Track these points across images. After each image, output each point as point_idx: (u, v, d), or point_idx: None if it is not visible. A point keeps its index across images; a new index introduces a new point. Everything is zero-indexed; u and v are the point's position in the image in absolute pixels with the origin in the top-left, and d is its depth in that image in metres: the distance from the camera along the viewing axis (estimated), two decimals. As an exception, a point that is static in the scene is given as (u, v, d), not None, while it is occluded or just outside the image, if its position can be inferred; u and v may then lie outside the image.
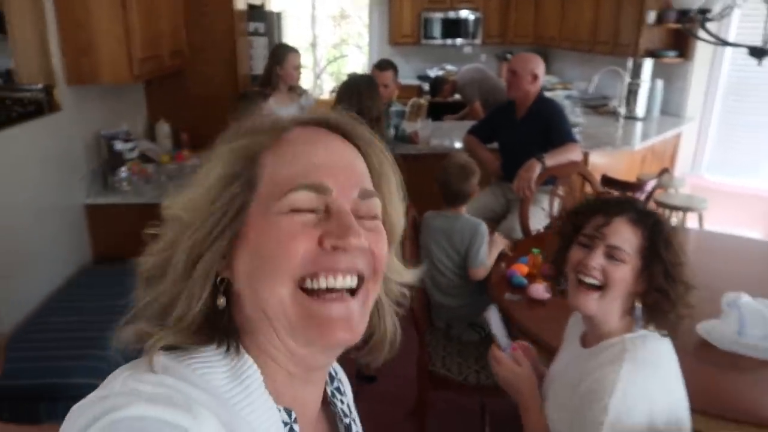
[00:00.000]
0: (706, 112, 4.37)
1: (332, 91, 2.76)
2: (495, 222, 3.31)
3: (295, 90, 3.41)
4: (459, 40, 6.61)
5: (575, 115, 3.91)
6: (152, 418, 0.48)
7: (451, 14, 6.40)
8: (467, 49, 6.92)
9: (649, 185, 2.98)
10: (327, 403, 0.71)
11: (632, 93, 4.33)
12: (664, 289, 1.14)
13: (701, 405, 1.43)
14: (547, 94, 4.52)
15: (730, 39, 1.78)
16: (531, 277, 2.07)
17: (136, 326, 0.58)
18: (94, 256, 2.93)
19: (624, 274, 1.15)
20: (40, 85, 2.49)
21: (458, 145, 3.59)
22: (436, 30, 6.50)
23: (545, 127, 2.99)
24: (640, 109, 4.35)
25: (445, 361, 2.10)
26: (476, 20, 6.43)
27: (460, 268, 2.33)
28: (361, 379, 2.69)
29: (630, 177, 3.88)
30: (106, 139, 2.94)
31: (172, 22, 3.30)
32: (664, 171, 3.14)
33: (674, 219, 3.75)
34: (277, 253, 0.56)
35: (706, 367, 1.60)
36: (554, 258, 1.32)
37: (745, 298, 1.69)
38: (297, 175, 0.58)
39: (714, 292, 1.82)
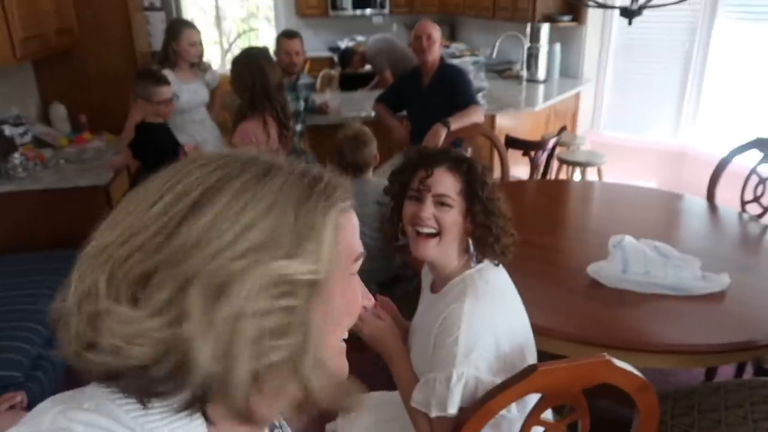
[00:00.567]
0: (600, 72, 4.63)
1: (231, 68, 2.67)
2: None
3: (198, 66, 3.30)
4: (368, 11, 6.60)
5: (480, 80, 4.03)
6: None
7: (358, -16, 6.37)
8: (377, 19, 6.92)
9: (550, 143, 3.14)
10: None
11: (533, 57, 4.51)
12: (485, 224, 1.25)
13: (591, 337, 1.58)
14: (455, 60, 4.65)
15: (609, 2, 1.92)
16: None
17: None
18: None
19: (454, 218, 1.26)
20: None
21: (364, 114, 3.63)
22: (345, 1, 6.45)
23: (451, 91, 3.08)
24: (540, 72, 4.55)
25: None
26: (383, -11, 6.43)
27: (377, 231, 2.37)
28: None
29: (535, 137, 4.07)
30: (-6, 124, 2.77)
31: (56, -2, 3.11)
32: (563, 129, 3.31)
33: (577, 174, 3.99)
34: (352, 309, 0.65)
35: (596, 304, 1.74)
36: (390, 217, 1.40)
37: (628, 239, 1.85)
38: (355, 246, 0.65)
39: (605, 237, 1.98)
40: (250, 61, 2.65)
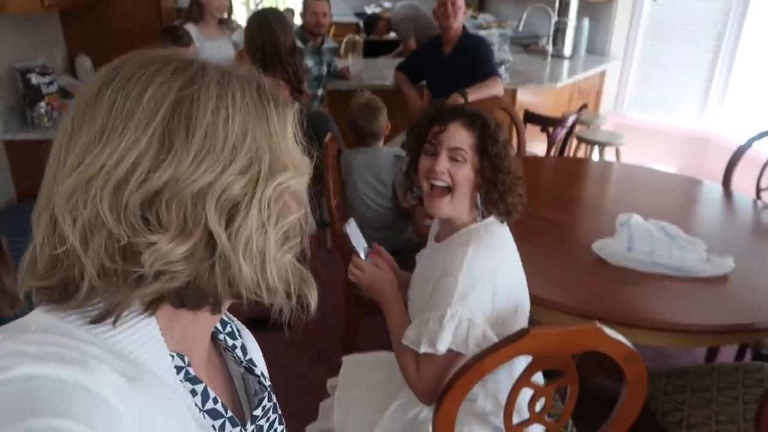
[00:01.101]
0: (628, 51, 4.54)
1: (244, 29, 2.68)
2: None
3: (226, 23, 3.31)
4: (396, -24, 6.50)
5: (504, 52, 3.97)
6: (45, 376, 0.44)
7: (388, -52, 6.26)
8: (405, -15, 6.82)
9: (569, 121, 3.12)
10: (221, 351, 0.73)
11: (560, 31, 4.43)
12: (491, 179, 1.29)
13: (594, 312, 1.61)
14: (482, 32, 4.59)
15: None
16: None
17: None
18: (18, 193, 2.86)
19: (467, 173, 1.29)
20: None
21: (387, 82, 3.62)
22: (373, -35, 6.36)
23: (472, 62, 3.06)
24: (567, 48, 4.47)
25: (370, 286, 2.21)
26: (413, -45, 6.31)
27: (390, 200, 2.41)
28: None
29: (556, 114, 4.03)
30: (21, 72, 2.82)
31: (87, -53, 3.13)
32: (583, 107, 3.28)
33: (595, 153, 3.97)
34: None
35: (598, 280, 1.76)
36: (406, 171, 1.44)
37: (636, 218, 1.86)
38: None
39: (613, 215, 1.99)
40: (261, 22, 2.64)
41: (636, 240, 1.81)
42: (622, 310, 1.63)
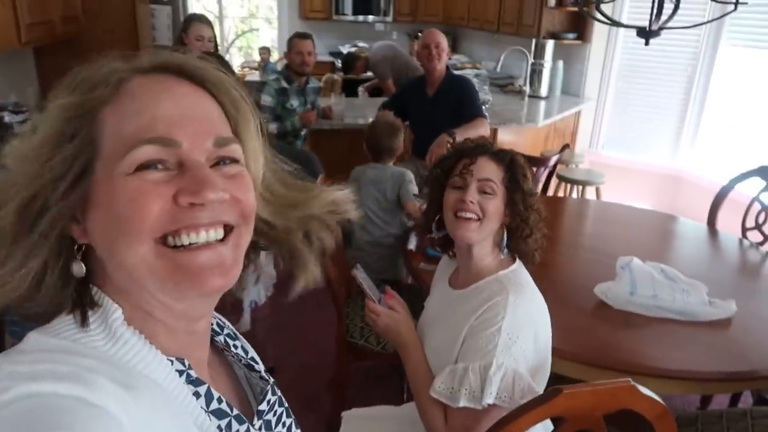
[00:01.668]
0: (602, 92, 4.66)
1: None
2: (410, 196, 3.38)
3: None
4: (371, 17, 6.60)
5: (484, 93, 4.04)
6: (43, 394, 0.44)
7: (363, -10, 6.37)
8: (379, 26, 6.93)
9: (552, 161, 3.14)
10: (221, 353, 0.73)
11: (536, 73, 4.52)
12: (524, 215, 1.28)
13: (598, 359, 1.57)
14: (457, 72, 4.65)
15: (623, 21, 1.92)
16: (444, 248, 2.13)
17: None
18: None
19: (496, 206, 1.28)
20: None
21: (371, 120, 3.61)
22: (348, 6, 6.44)
23: (457, 102, 3.07)
24: (543, 89, 4.56)
25: (363, 332, 2.13)
26: (387, -3, 6.44)
27: (389, 214, 2.53)
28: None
29: (534, 153, 4.08)
30: (-8, 111, 2.71)
31: (64, -16, 3.07)
32: (565, 147, 3.31)
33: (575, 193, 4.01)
34: (129, 214, 0.53)
35: (604, 325, 1.73)
36: (427, 207, 1.41)
37: (636, 261, 1.84)
38: (139, 131, 0.54)
39: (610, 257, 1.97)
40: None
41: (638, 284, 1.78)
42: (630, 357, 1.59)
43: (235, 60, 7.74)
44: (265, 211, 0.65)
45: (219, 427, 0.59)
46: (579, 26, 4.55)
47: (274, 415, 0.71)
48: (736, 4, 1.96)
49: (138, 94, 0.56)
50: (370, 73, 5.00)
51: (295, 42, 3.32)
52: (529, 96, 4.55)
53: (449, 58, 3.20)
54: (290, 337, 2.86)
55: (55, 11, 2.87)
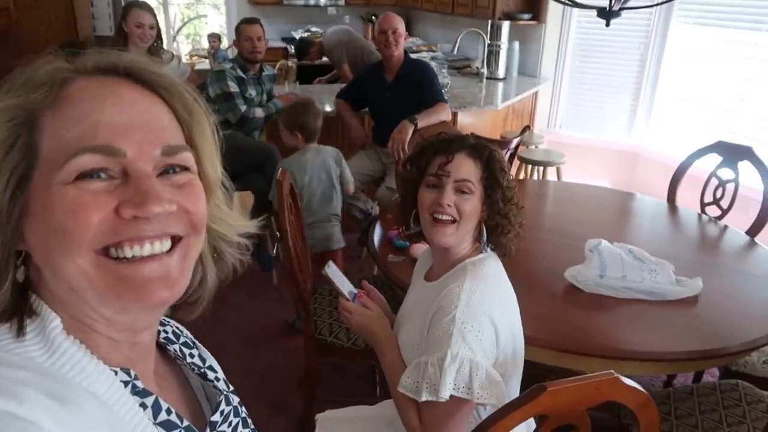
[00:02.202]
0: (558, 72, 4.68)
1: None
2: (373, 185, 3.33)
3: (156, 53, 3.09)
4: (322, 1, 6.46)
5: (442, 76, 3.99)
6: None
7: (314, -27, 6.21)
8: (331, 10, 6.79)
9: (514, 143, 3.12)
10: (174, 362, 0.71)
11: (492, 54, 4.50)
12: (504, 212, 1.24)
13: (572, 345, 1.56)
14: (414, 55, 4.59)
15: (583, 2, 1.90)
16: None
17: None
18: None
19: (473, 205, 1.24)
20: None
21: (329, 108, 3.52)
22: (299, -10, 6.29)
23: (418, 87, 3.02)
24: (500, 70, 4.55)
25: (332, 328, 2.08)
26: (339, -20, 6.30)
27: (334, 192, 2.71)
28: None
29: (494, 135, 4.07)
30: None
31: (-8, -28, 2.85)
32: (526, 128, 3.30)
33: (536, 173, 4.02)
34: (67, 225, 0.49)
35: (575, 310, 1.72)
36: (401, 204, 1.37)
37: (605, 243, 1.84)
38: (80, 138, 0.50)
39: (576, 239, 1.97)
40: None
41: (608, 266, 1.78)
42: (604, 341, 1.59)
43: (183, 48, 7.47)
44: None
45: None
46: (534, 7, 4.54)
47: (229, 426, 0.68)
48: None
49: (81, 98, 0.52)
50: (325, 59, 4.89)
51: (242, 28, 3.19)
52: (487, 78, 4.53)
53: (406, 41, 3.14)
54: (256, 337, 2.78)
55: (-17, 2, 2.68)
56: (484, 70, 4.52)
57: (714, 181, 2.59)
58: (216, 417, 0.66)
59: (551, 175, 3.96)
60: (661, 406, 1.67)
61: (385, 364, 1.31)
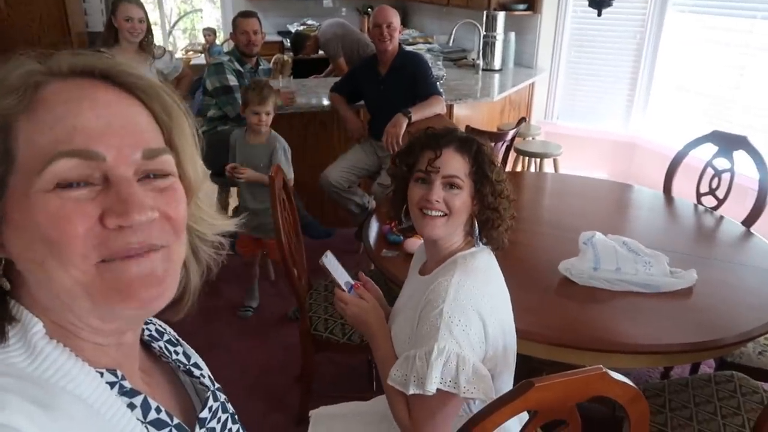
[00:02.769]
0: (554, 62, 4.65)
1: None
2: (369, 179, 3.32)
3: (148, 48, 3.06)
4: (318, -6, 6.42)
5: (438, 68, 3.97)
6: None
7: (308, -34, 6.17)
8: (327, 3, 6.75)
9: (509, 135, 3.11)
10: (159, 360, 0.71)
11: (488, 45, 4.47)
12: (494, 205, 1.24)
13: (566, 339, 1.56)
14: (409, 47, 4.57)
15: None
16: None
17: None
18: None
19: (463, 200, 1.23)
20: None
21: (326, 102, 3.51)
22: (294, -17, 6.24)
23: (411, 80, 3.00)
24: (497, 62, 4.52)
25: (328, 323, 2.07)
26: (334, -28, 6.26)
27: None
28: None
29: (491, 127, 4.05)
30: None
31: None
32: (522, 120, 3.29)
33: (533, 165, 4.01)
34: (52, 237, 0.49)
35: (569, 302, 1.72)
36: (393, 199, 1.37)
37: (599, 236, 1.83)
38: (57, 142, 0.49)
39: (572, 232, 1.96)
40: None
41: (601, 258, 1.78)
42: (598, 334, 1.59)
43: (180, 43, 7.44)
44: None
45: None
46: (529, -4, 4.51)
47: (218, 422, 0.68)
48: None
49: (56, 101, 0.50)
50: (321, 53, 4.87)
51: (239, 21, 3.18)
52: (483, 69, 4.50)
53: (401, 34, 3.11)
54: (253, 333, 2.78)
55: (-27, -1, 2.66)
56: (480, 62, 4.49)
57: (710, 171, 2.58)
58: (205, 413, 0.66)
59: (548, 166, 3.95)
60: (655, 399, 1.67)
61: (378, 357, 1.31)
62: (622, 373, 1.00)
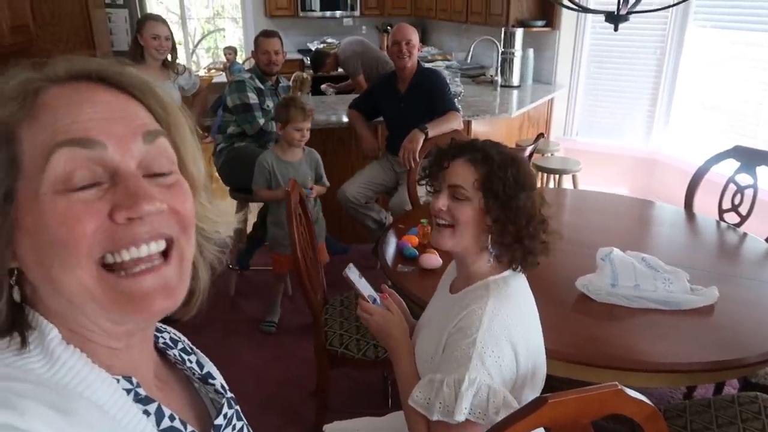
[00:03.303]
0: (573, 78, 4.64)
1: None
2: (386, 195, 3.33)
3: (170, 66, 3.15)
4: (338, 12, 6.51)
5: (456, 85, 3.98)
6: None
7: (329, -15, 6.28)
8: (347, 21, 6.84)
9: (527, 151, 3.10)
10: (175, 367, 0.71)
11: (507, 62, 4.48)
12: (502, 221, 1.19)
13: (584, 357, 1.53)
14: (428, 64, 4.59)
15: (590, 7, 1.88)
16: (421, 248, 2.08)
17: None
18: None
19: (468, 212, 1.21)
20: None
21: (344, 119, 3.54)
22: (315, 2, 6.34)
23: (429, 97, 3.02)
24: (515, 78, 4.52)
25: (343, 339, 2.07)
26: (354, -9, 6.36)
27: None
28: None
29: (509, 143, 4.04)
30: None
31: (11, -8, 2.93)
32: (540, 136, 3.28)
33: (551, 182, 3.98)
34: (61, 237, 0.49)
35: (586, 320, 1.69)
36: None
37: (617, 252, 1.81)
38: (56, 134, 0.50)
39: (590, 248, 1.94)
40: None
41: (620, 275, 1.75)
42: (616, 352, 1.55)
43: (203, 62, 7.59)
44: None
45: None
46: (547, 13, 4.52)
47: (233, 429, 0.69)
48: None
49: (56, 105, 0.51)
50: (340, 70, 4.92)
51: (260, 41, 3.24)
52: (501, 86, 4.51)
53: (420, 52, 3.14)
54: (269, 346, 2.78)
55: (2, 20, 2.74)
56: (498, 78, 4.50)
57: (732, 187, 2.53)
58: (220, 420, 0.67)
59: (567, 182, 3.92)
60: (677, 419, 1.63)
61: (399, 372, 1.30)
62: (641, 393, 0.98)
